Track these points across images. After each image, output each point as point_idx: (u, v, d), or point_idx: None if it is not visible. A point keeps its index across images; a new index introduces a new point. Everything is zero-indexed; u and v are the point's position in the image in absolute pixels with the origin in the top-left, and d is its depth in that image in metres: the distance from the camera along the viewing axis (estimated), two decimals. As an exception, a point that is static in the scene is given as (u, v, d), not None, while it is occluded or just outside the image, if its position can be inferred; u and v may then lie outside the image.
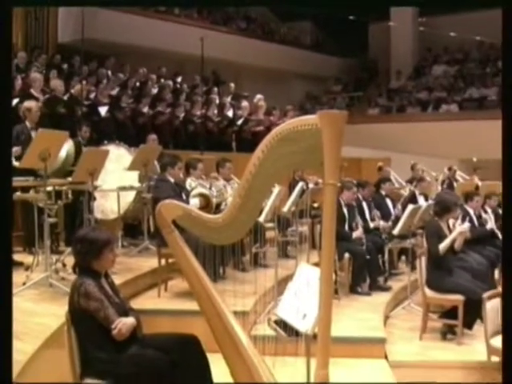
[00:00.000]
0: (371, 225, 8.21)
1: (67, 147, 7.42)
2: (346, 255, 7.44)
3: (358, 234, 7.72)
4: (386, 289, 7.77)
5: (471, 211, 8.19)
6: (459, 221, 6.52)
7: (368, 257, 7.64)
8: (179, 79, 15.36)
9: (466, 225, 6.59)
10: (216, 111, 13.51)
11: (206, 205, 6.35)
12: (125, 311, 3.94)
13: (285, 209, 7.44)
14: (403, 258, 8.92)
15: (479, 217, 8.37)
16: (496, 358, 5.40)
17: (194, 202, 6.42)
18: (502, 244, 3.63)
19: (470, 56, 20.53)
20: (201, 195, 6.36)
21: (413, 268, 7.66)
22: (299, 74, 21.13)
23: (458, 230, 6.43)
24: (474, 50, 20.48)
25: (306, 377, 3.85)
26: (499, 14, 16.72)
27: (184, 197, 6.70)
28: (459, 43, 20.14)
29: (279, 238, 8.03)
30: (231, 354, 3.83)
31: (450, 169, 12.40)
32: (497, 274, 7.72)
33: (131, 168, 8.13)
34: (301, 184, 7.56)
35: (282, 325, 4.03)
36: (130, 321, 3.83)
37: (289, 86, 20.94)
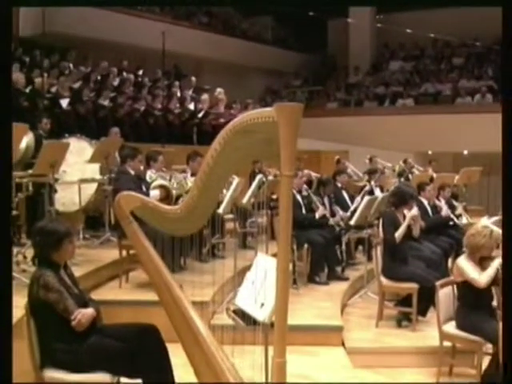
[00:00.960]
0: (331, 221, 8.30)
1: (27, 140, 7.40)
2: (305, 245, 7.56)
3: (320, 212, 7.84)
4: (344, 278, 7.92)
5: (425, 201, 8.37)
6: (413, 209, 6.66)
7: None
8: (141, 72, 15.30)
9: (415, 209, 6.73)
10: (177, 104, 13.52)
11: (166, 196, 6.40)
12: (84, 302, 3.97)
13: (244, 200, 7.51)
14: (360, 248, 9.09)
15: (434, 206, 8.55)
16: (448, 343, 5.59)
17: (154, 193, 6.47)
18: (503, 243, 3.70)
19: (426, 52, 20.84)
20: (161, 187, 6.41)
21: (369, 258, 7.81)
22: (260, 68, 21.20)
23: (408, 215, 6.59)
24: (429, 46, 20.79)
25: (263, 365, 3.94)
26: (453, 13, 17.10)
27: (144, 189, 6.73)
28: (415, 40, 20.42)
29: (239, 229, 8.13)
30: (190, 344, 3.88)
31: (405, 161, 12.61)
32: (450, 262, 7.91)
33: (92, 160, 8.13)
34: (259, 176, 7.64)
35: (241, 314, 4.11)
36: (89, 311, 3.86)
37: (249, 80, 20.98)
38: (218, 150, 3.39)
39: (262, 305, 3.83)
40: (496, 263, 5.32)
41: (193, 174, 7.49)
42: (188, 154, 7.99)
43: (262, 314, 3.79)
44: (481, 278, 5.26)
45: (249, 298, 4.02)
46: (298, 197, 7.87)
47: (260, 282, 3.95)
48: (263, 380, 3.83)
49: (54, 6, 13.51)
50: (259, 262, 4.02)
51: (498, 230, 5.70)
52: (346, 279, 7.89)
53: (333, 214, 8.33)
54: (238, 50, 19.55)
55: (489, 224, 6.07)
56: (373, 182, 9.60)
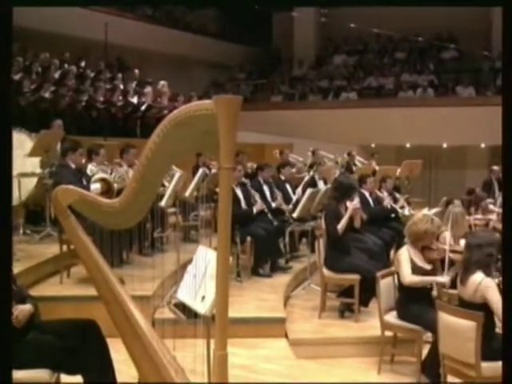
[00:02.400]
0: (273, 204, 8.33)
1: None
2: (248, 238, 7.57)
3: (258, 207, 7.85)
4: (287, 269, 7.95)
5: (367, 194, 8.47)
6: (354, 202, 6.74)
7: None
8: (83, 64, 15.03)
9: (356, 200, 6.81)
10: (120, 97, 13.34)
11: (108, 190, 6.30)
12: (22, 298, 3.89)
13: (187, 193, 7.48)
14: (304, 240, 9.15)
15: (376, 198, 8.66)
16: (389, 333, 5.70)
17: (95, 186, 6.35)
18: (503, 242, 3.74)
19: (369, 47, 21.07)
20: (102, 180, 6.31)
21: (312, 250, 7.85)
22: (204, 61, 21.09)
23: (350, 208, 6.67)
24: (372, 41, 21.03)
25: (205, 358, 3.94)
26: (396, 8, 17.22)
27: (85, 182, 6.63)
28: (358, 34, 20.62)
29: (181, 223, 8.09)
30: (130, 339, 3.83)
31: (349, 154, 12.75)
32: (392, 253, 8.04)
33: (32, 154, 7.96)
34: (202, 169, 7.61)
35: (182, 307, 4.10)
36: (26, 308, 3.79)
37: (193, 73, 20.86)
38: (156, 142, 3.37)
39: (203, 298, 3.83)
40: (428, 279, 5.46)
41: (129, 166, 7.42)
42: (121, 148, 7.91)
43: (202, 307, 3.79)
44: (408, 277, 5.37)
45: (190, 291, 4.01)
46: (238, 190, 7.86)
47: (201, 275, 3.94)
48: (205, 372, 3.83)
49: (53, 5, 13.20)
50: (200, 255, 4.01)
51: (438, 219, 5.83)
52: (290, 268, 7.93)
53: (274, 199, 8.37)
54: (182, 43, 19.40)
55: (427, 213, 6.20)
56: (316, 175, 9.66)
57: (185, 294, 4.08)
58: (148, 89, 13.82)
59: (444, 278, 5.42)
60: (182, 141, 3.33)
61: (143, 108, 13.24)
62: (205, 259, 3.90)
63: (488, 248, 4.62)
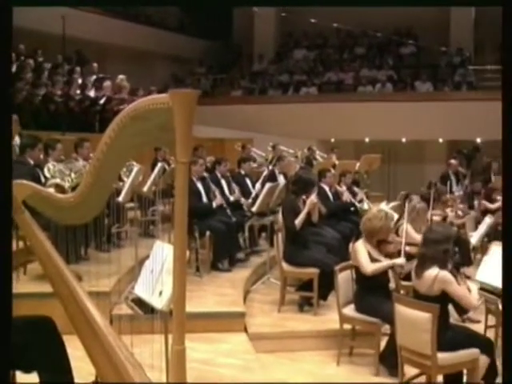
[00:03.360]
0: (231, 198, 8.33)
1: None
2: (207, 233, 7.55)
3: (217, 201, 7.84)
4: (245, 261, 7.95)
5: (326, 188, 8.53)
6: (312, 196, 6.78)
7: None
8: (40, 58, 14.78)
9: (314, 196, 6.85)
10: (78, 91, 13.16)
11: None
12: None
13: (145, 188, 7.43)
14: (264, 234, 9.17)
15: (335, 193, 8.73)
16: (348, 326, 5.76)
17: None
18: (503, 240, 3.74)
19: (329, 42, 21.13)
20: (56, 186, 6.19)
21: (272, 244, 7.88)
22: (164, 55, 20.94)
23: (308, 202, 6.71)
24: (332, 36, 21.11)
25: (164, 353, 3.93)
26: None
27: (43, 180, 6.52)
28: (318, 29, 20.69)
29: (140, 218, 8.04)
30: (87, 336, 3.78)
31: (309, 148, 12.82)
32: (350, 247, 8.10)
33: (-14, 150, 7.79)
34: (160, 164, 7.57)
35: (139, 303, 4.08)
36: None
37: (153, 67, 20.69)
38: (112, 136, 3.33)
39: (161, 293, 3.82)
40: (388, 263, 5.52)
41: (85, 160, 7.33)
42: (75, 142, 7.81)
43: (160, 302, 3.77)
44: (369, 266, 5.43)
45: (147, 286, 3.99)
46: (199, 184, 7.84)
47: (158, 270, 3.93)
48: (163, 368, 3.82)
49: (54, 5, 12.90)
50: (157, 249, 4.00)
51: (393, 213, 5.90)
52: (247, 259, 7.92)
53: (232, 193, 8.38)
54: (143, 37, 19.23)
55: (384, 207, 6.28)
56: (276, 169, 9.69)
57: (142, 289, 4.07)
58: (107, 83, 13.65)
59: (401, 260, 5.50)
60: (137, 135, 3.30)
61: (102, 102, 13.09)
62: (162, 254, 3.89)
63: (444, 244, 4.69)
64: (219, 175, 8.57)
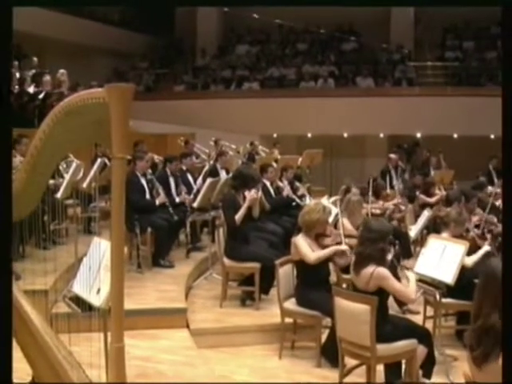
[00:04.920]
0: (177, 199, 8.29)
1: None
2: (148, 229, 7.49)
3: (160, 200, 7.78)
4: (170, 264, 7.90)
5: (268, 183, 8.56)
6: (252, 191, 6.79)
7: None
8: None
9: (253, 191, 6.86)
10: (16, 86, 12.85)
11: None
12: None
13: (84, 185, 7.32)
14: (206, 230, 9.16)
15: (276, 188, 8.76)
16: (289, 320, 5.80)
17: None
18: (503, 238, 3.73)
19: (271, 37, 21.20)
20: None
21: (214, 239, 7.88)
22: (106, 49, 20.64)
23: (248, 198, 6.72)
24: (274, 31, 21.18)
25: (103, 351, 3.89)
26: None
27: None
28: (261, 25, 20.73)
29: (80, 215, 7.91)
30: (23, 336, 3.73)
31: (251, 144, 12.84)
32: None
33: None
34: (100, 160, 7.46)
35: (77, 301, 4.02)
36: None
37: (95, 61, 20.37)
38: (46, 131, 3.28)
39: (99, 290, 3.77)
40: (331, 249, 5.58)
41: (23, 157, 7.16)
42: (13, 139, 7.63)
43: (98, 300, 3.73)
44: (312, 254, 5.48)
45: (85, 284, 3.94)
46: (143, 181, 7.78)
47: (96, 267, 3.88)
48: (103, 366, 3.78)
49: (54, 5, 12.45)
50: (95, 246, 3.95)
51: (330, 206, 5.97)
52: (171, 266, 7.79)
53: (179, 193, 8.34)
54: (84, 31, 18.88)
55: (324, 202, 6.34)
56: (218, 165, 9.68)
57: (80, 287, 4.01)
58: (46, 78, 13.37)
59: (344, 246, 5.57)
60: (72, 130, 3.26)
61: (41, 97, 12.81)
62: (99, 251, 3.84)
63: (381, 242, 4.74)
64: (168, 172, 8.50)
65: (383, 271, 4.64)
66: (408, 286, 4.80)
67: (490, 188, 10.26)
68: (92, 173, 7.32)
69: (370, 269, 4.64)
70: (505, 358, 2.54)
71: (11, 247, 3.61)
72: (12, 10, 3.47)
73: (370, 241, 4.74)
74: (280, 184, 8.79)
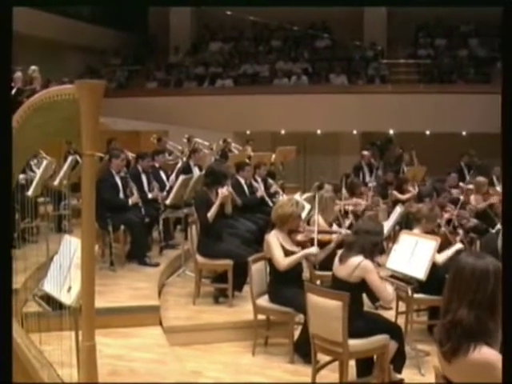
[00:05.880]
0: (149, 195, 8.25)
1: None
2: (121, 227, 7.45)
3: (134, 199, 7.73)
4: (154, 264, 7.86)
5: (242, 181, 8.55)
6: (224, 189, 6.78)
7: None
8: None
9: (225, 189, 6.86)
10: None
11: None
12: None
13: (55, 182, 7.25)
14: (179, 227, 9.12)
15: (250, 185, 8.76)
16: (263, 316, 5.81)
17: None
18: (503, 236, 3.70)
19: (245, 34, 21.19)
20: None
21: (187, 237, 7.85)
22: (78, 46, 20.45)
23: (219, 195, 6.71)
24: (248, 28, 21.18)
25: (74, 350, 3.85)
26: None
27: None
28: (234, 22, 20.71)
29: (51, 212, 7.84)
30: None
31: (224, 141, 12.82)
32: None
33: None
34: (72, 157, 7.40)
35: (49, 299, 3.98)
36: None
37: (67, 58, 20.19)
38: (16, 128, 3.24)
39: (69, 288, 3.74)
40: (301, 254, 5.59)
41: None
42: None
43: (68, 298, 3.69)
44: (283, 261, 5.49)
45: (56, 282, 3.90)
46: (117, 179, 7.72)
47: (67, 265, 3.84)
48: (74, 364, 3.75)
49: (54, 5, 12.22)
50: (65, 244, 3.91)
51: (304, 203, 5.98)
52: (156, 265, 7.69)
53: (151, 190, 8.30)
54: (56, 27, 18.70)
55: (297, 198, 6.36)
56: (191, 162, 9.64)
57: (51, 285, 3.97)
58: (18, 74, 13.22)
59: (314, 249, 5.59)
60: (42, 127, 3.23)
61: (12, 93, 12.66)
62: (70, 249, 3.80)
63: (375, 236, 4.80)
64: (140, 169, 8.45)
65: (370, 264, 4.68)
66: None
67: (461, 184, 10.39)
68: (63, 170, 7.25)
69: (358, 259, 4.68)
70: (505, 358, 2.56)
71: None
72: (12, 10, 3.45)
73: (365, 232, 4.80)
74: (255, 184, 8.79)
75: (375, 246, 4.81)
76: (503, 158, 3.15)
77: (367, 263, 4.68)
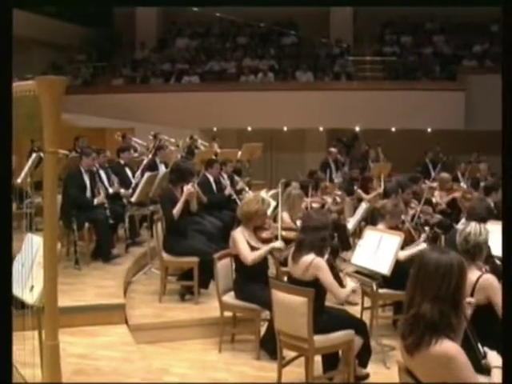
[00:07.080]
0: (110, 190, 8.18)
1: None
2: (86, 224, 7.38)
3: (100, 199, 7.66)
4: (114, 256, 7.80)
5: (211, 178, 8.54)
6: (189, 186, 6.75)
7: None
8: None
9: (190, 185, 6.84)
10: None
11: None
12: None
13: (19, 180, 7.16)
14: (145, 224, 9.07)
15: (219, 183, 8.74)
16: (229, 313, 5.81)
17: None
18: (502, 239, 3.69)
19: (211, 31, 21.15)
20: None
21: (153, 234, 7.82)
22: (42, 41, 20.19)
23: (184, 192, 6.69)
24: (215, 25, 21.13)
25: (38, 349, 3.82)
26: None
27: None
28: (201, 18, 20.64)
29: (15, 211, 7.72)
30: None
31: (191, 138, 12.79)
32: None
33: None
34: (36, 154, 7.30)
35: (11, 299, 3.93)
36: None
37: (30, 54, 19.91)
38: (-25, 124, 3.19)
39: (32, 287, 3.70)
40: (266, 249, 5.60)
41: None
42: None
43: (31, 298, 3.66)
44: (249, 256, 5.50)
45: (18, 281, 3.86)
46: (86, 177, 7.64)
47: (29, 264, 3.80)
48: (38, 364, 3.72)
49: (54, 5, 11.92)
50: (27, 242, 3.87)
51: (270, 199, 6.00)
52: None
53: (111, 185, 8.24)
54: (18, 22, 18.36)
55: (263, 195, 6.37)
56: (157, 159, 9.60)
57: (13, 284, 3.92)
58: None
59: (279, 243, 5.61)
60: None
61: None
62: (32, 247, 3.77)
63: (322, 232, 4.81)
64: (97, 165, 8.37)
65: (322, 262, 4.70)
66: (344, 287, 4.85)
67: (426, 181, 10.50)
68: (27, 168, 7.15)
69: (309, 257, 4.69)
70: (505, 358, 2.59)
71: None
72: (12, 12, 3.41)
73: (311, 229, 4.80)
74: (223, 182, 8.77)
75: (324, 241, 4.83)
76: (503, 157, 3.19)
77: (318, 261, 4.69)
